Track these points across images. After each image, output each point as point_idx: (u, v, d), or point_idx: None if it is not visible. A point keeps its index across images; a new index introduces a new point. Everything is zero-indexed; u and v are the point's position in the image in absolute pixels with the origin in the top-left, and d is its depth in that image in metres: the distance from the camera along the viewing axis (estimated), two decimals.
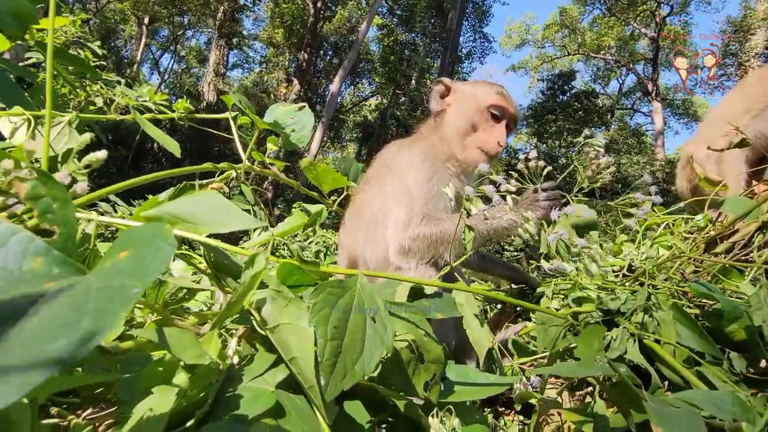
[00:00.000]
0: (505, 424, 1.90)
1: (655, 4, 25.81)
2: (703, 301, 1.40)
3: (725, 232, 1.75)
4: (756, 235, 1.66)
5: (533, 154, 1.30)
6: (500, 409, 1.69)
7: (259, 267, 0.74)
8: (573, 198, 1.26)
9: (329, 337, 0.71)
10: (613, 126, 31.82)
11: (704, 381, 1.14)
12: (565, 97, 27.04)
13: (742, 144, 1.78)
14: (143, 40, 28.70)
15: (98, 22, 27.18)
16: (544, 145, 26.22)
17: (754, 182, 2.26)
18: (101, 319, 0.46)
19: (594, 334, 1.04)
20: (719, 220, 1.85)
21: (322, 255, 2.86)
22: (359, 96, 34.56)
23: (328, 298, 0.74)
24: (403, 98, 28.51)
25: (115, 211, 5.08)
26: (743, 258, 1.65)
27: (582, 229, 1.29)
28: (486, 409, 1.63)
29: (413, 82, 29.23)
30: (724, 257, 1.69)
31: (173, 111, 1.53)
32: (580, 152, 1.27)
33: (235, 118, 1.39)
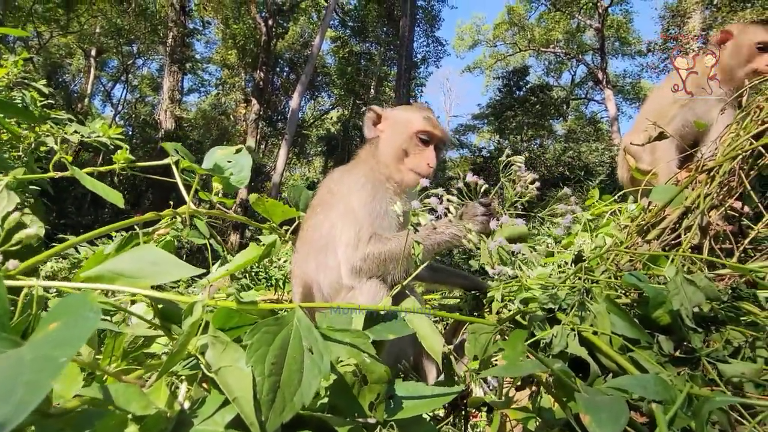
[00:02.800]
0: (476, 425, 1.97)
1: None
2: (635, 290, 1.51)
3: (655, 220, 1.87)
4: (682, 219, 1.78)
5: (470, 176, 1.42)
6: (470, 411, 1.76)
7: (197, 315, 0.78)
8: (506, 212, 1.37)
9: (267, 374, 0.76)
10: (569, 116, 32.85)
11: (637, 365, 1.23)
12: (521, 93, 27.73)
13: (660, 137, 1.91)
14: (92, 72, 28.00)
15: (43, 59, 26.38)
16: (506, 141, 26.78)
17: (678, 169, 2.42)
18: (33, 389, 0.51)
19: (518, 337, 1.12)
20: (650, 208, 1.98)
21: (281, 282, 2.89)
22: (320, 110, 34.60)
23: (264, 336, 0.79)
24: (364, 108, 28.66)
25: (78, 252, 4.97)
26: (672, 242, 1.78)
27: (515, 240, 1.39)
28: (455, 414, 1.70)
29: (372, 91, 29.50)
30: (656, 242, 1.81)
31: (115, 155, 1.55)
32: (507, 169, 1.39)
33: (177, 163, 1.42)
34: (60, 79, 28.58)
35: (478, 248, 1.44)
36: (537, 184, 1.39)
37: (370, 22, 29.29)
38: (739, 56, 2.69)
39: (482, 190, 1.42)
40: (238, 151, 1.49)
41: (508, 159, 1.40)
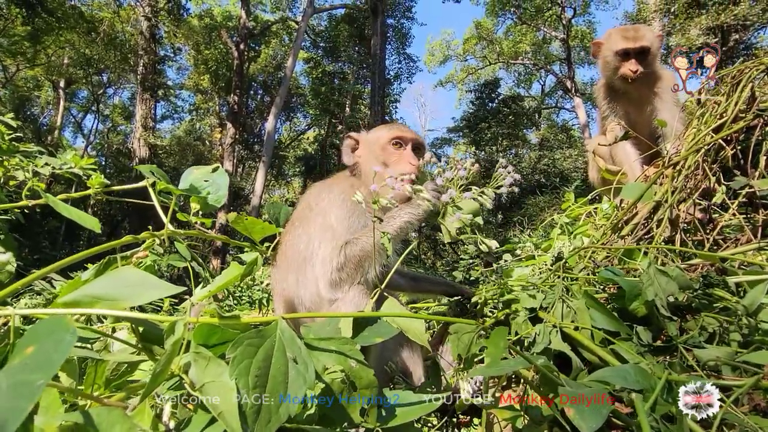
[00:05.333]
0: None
1: (560, 9, 27.75)
2: (612, 284, 1.55)
3: (628, 216, 1.93)
4: (652, 214, 1.84)
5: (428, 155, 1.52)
6: (461, 418, 1.76)
7: (179, 334, 0.78)
8: (459, 191, 1.45)
9: (251, 386, 0.76)
10: (542, 125, 33.59)
11: (618, 357, 1.26)
12: (494, 104, 28.26)
13: (626, 136, 1.98)
14: (62, 104, 27.56)
15: (10, 92, 25.89)
16: (483, 152, 27.17)
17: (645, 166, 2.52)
18: (11, 414, 0.50)
19: (500, 335, 1.14)
20: (621, 205, 2.04)
21: (265, 300, 2.84)
22: (296, 130, 34.66)
23: (247, 349, 0.79)
24: (340, 126, 28.87)
25: (53, 287, 4.83)
26: (645, 237, 1.83)
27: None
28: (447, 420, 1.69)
29: (347, 109, 29.68)
30: (630, 237, 1.86)
31: (89, 180, 1.53)
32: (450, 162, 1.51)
33: (153, 185, 1.41)
34: (28, 113, 28.06)
35: (435, 217, 1.53)
36: (476, 167, 1.50)
37: (342, 42, 29.64)
38: (608, 65, 2.91)
39: (436, 172, 1.53)
40: (214, 170, 1.49)
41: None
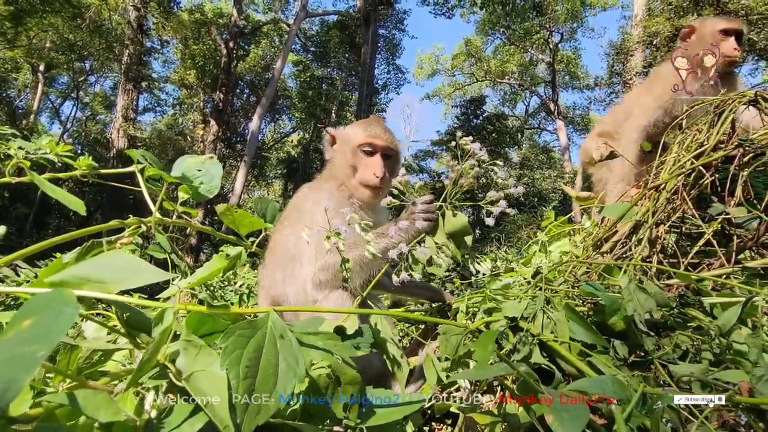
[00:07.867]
0: None
1: (548, 33, 28.47)
2: (591, 298, 1.59)
3: (608, 234, 1.99)
4: (632, 233, 1.90)
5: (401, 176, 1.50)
6: (434, 425, 1.76)
7: (168, 322, 0.77)
8: (448, 206, 1.43)
9: (242, 377, 0.75)
10: (524, 145, 34.22)
11: (595, 369, 1.29)
12: (478, 121, 28.67)
13: (611, 156, 2.04)
14: (40, 88, 26.83)
15: None
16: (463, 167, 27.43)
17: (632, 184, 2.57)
18: (5, 386, 0.48)
19: (489, 338, 1.15)
20: (603, 223, 2.09)
21: (245, 297, 2.81)
22: (281, 132, 34.48)
23: (238, 340, 0.78)
24: (323, 129, 28.87)
25: (18, 275, 4.64)
26: (623, 255, 1.88)
27: (458, 235, 1.41)
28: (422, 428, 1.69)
29: (333, 115, 29.70)
30: (609, 255, 1.91)
31: (77, 162, 1.50)
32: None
33: (142, 171, 1.39)
34: (4, 94, 27.20)
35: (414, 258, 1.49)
36: (474, 171, 1.49)
37: (332, 48, 29.71)
38: (704, 45, 2.86)
39: (417, 187, 1.49)
40: (208, 159, 1.48)
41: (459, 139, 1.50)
